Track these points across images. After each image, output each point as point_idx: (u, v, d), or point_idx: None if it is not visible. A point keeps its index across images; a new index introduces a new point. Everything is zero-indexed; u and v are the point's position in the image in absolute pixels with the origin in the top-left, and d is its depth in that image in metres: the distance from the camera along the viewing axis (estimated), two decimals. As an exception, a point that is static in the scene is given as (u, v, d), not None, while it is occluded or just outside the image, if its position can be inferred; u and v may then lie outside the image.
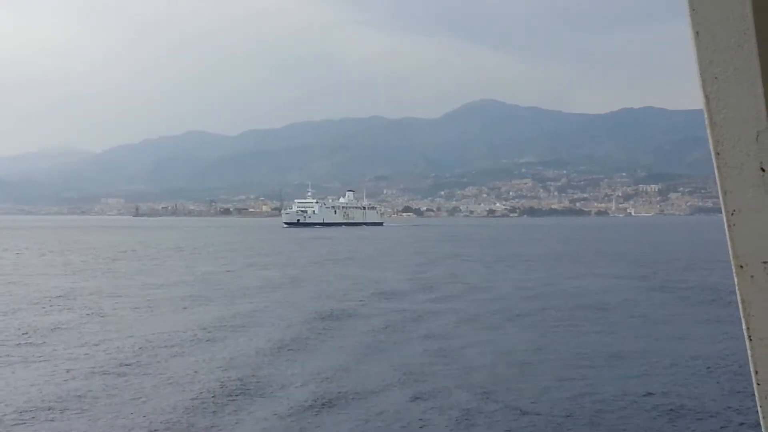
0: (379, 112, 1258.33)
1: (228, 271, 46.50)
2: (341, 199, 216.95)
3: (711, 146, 2.35)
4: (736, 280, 2.29)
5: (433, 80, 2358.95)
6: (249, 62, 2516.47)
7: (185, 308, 28.06)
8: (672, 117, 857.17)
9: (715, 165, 2.34)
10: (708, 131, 2.34)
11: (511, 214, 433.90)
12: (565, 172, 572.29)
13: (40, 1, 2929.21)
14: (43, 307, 28.27)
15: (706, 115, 2.33)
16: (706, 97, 2.30)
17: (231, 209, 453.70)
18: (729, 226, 2.32)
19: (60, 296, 31.92)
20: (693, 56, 2.33)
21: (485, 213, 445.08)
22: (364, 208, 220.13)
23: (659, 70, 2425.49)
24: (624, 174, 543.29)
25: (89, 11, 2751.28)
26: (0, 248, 76.12)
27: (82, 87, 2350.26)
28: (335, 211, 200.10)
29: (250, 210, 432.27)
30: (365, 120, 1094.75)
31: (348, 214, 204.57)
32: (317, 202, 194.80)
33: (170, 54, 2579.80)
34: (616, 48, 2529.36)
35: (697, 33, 2.30)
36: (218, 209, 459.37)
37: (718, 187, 2.36)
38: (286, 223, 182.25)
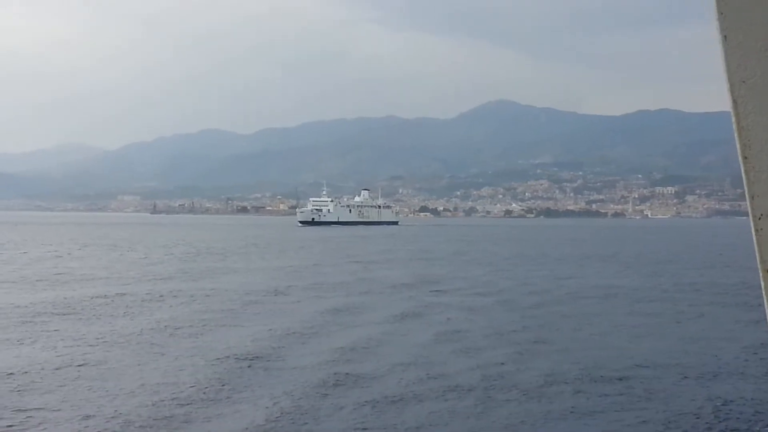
0: (393, 111, 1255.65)
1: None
2: (356, 198, 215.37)
3: (738, 150, 2.37)
4: (762, 284, 2.33)
5: (447, 80, 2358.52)
6: (262, 60, 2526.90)
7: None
8: (688, 119, 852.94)
9: (742, 169, 2.37)
10: (735, 135, 2.36)
11: (528, 215, 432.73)
12: (580, 173, 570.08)
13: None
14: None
15: (733, 119, 2.35)
16: (734, 101, 2.32)
17: (248, 207, 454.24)
18: (756, 230, 2.34)
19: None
20: (721, 60, 2.35)
21: (502, 213, 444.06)
22: (379, 207, 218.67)
23: (675, 73, 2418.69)
24: (640, 176, 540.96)
25: (102, 5, 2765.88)
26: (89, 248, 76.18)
27: (94, 82, 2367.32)
28: (350, 210, 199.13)
29: (268, 208, 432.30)
30: (380, 119, 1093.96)
31: (363, 213, 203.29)
32: (332, 201, 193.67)
33: (184, 50, 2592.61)
34: (632, 50, 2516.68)
35: (725, 37, 2.32)
36: (235, 207, 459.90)
37: (746, 191, 2.39)
38: (300, 221, 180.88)
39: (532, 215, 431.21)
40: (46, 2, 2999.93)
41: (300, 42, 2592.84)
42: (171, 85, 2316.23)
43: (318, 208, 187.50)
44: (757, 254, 2.28)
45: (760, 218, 2.31)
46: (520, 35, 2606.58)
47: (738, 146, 2.35)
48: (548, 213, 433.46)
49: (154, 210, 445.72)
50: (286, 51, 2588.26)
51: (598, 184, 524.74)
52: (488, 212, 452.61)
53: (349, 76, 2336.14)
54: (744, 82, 2.28)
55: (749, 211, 2.36)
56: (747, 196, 2.37)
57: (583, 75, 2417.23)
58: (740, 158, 2.34)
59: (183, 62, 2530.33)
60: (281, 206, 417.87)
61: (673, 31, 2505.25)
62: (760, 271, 2.28)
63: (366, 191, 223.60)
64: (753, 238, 2.32)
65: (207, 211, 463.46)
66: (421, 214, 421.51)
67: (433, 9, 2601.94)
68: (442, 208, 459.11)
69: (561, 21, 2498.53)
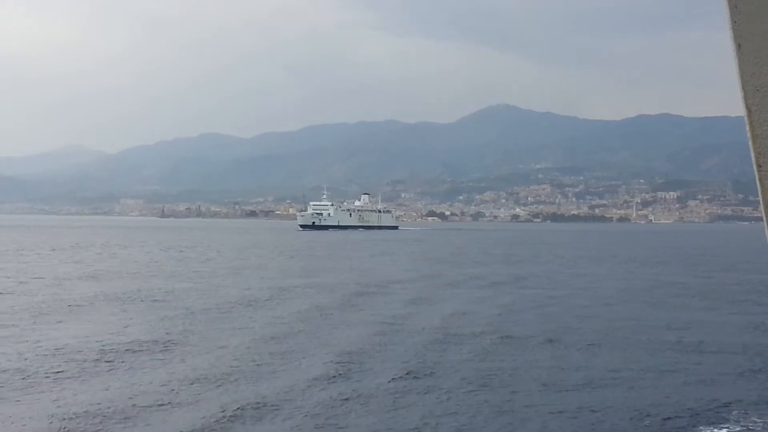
0: (394, 115, 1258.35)
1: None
2: (356, 203, 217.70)
3: (753, 159, 2.41)
4: None
5: (448, 84, 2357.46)
6: (262, 64, 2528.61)
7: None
8: (688, 124, 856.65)
9: (757, 177, 2.40)
10: (750, 144, 2.40)
11: (535, 220, 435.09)
12: (582, 178, 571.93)
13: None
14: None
15: (747, 128, 2.40)
16: (748, 109, 2.36)
17: (257, 211, 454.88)
18: None
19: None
20: (735, 68, 2.38)
21: (509, 218, 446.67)
22: (380, 211, 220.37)
23: (676, 77, 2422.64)
24: (641, 180, 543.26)
25: (103, 9, 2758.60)
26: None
27: (94, 86, 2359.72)
28: (350, 214, 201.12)
29: (276, 212, 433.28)
30: (381, 123, 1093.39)
31: (363, 218, 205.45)
32: (332, 205, 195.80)
33: (184, 54, 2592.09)
34: (632, 54, 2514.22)
35: (739, 45, 2.36)
36: (244, 211, 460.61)
37: (760, 200, 2.43)
38: (301, 225, 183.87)
39: (539, 220, 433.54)
40: (49, 5, 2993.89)
41: (300, 46, 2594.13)
42: (171, 89, 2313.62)
43: (318, 212, 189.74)
44: None
45: None
46: (520, 39, 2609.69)
47: (752, 155, 2.37)
48: (554, 218, 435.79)
49: (163, 214, 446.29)
50: (286, 55, 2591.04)
51: (600, 188, 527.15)
52: (495, 217, 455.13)
53: (349, 79, 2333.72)
54: (758, 90, 2.31)
55: (764, 219, 2.43)
56: (762, 204, 2.42)
57: (583, 79, 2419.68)
58: (755, 166, 2.36)
59: (183, 66, 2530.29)
60: (290, 210, 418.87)
61: (673, 36, 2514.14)
62: None
63: (366, 195, 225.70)
64: None
65: (215, 215, 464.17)
66: (429, 218, 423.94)
67: (434, 13, 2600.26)
68: (449, 213, 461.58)
69: (561, 25, 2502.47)
